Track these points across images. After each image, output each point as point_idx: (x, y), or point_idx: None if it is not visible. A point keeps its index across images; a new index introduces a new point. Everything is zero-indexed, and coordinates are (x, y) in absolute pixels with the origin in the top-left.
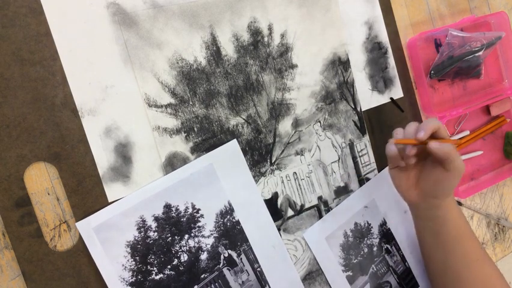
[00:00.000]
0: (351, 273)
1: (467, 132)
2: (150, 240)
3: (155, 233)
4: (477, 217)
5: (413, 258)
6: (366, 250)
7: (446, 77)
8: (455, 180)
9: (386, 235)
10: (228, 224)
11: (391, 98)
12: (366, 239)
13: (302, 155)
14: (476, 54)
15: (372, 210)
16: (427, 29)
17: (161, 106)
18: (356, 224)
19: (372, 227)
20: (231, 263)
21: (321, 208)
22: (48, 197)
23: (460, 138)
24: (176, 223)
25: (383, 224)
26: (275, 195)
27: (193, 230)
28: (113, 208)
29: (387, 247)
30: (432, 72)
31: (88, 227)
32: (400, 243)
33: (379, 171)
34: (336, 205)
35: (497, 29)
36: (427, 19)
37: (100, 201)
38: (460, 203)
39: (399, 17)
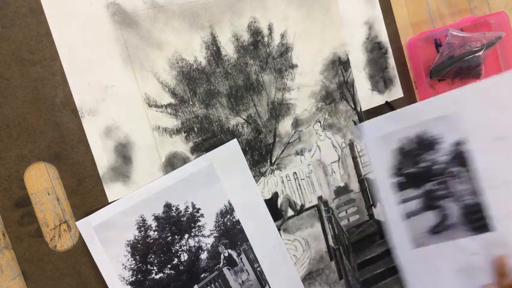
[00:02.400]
0: (400, 180)
1: None
2: (150, 240)
3: (156, 232)
4: None
5: (494, 196)
6: (425, 164)
7: (446, 77)
8: None
9: (460, 157)
10: (228, 223)
11: (386, 102)
12: (429, 152)
13: (302, 155)
14: (476, 54)
15: (450, 122)
16: (427, 29)
17: (161, 106)
18: (425, 131)
19: (443, 142)
20: (231, 262)
21: (321, 208)
22: (48, 197)
23: None
24: (176, 222)
25: (461, 143)
26: (275, 195)
27: (193, 230)
28: (114, 207)
29: (456, 170)
30: (432, 72)
31: (88, 226)
32: (480, 171)
33: None
34: (336, 205)
35: (497, 29)
36: (427, 19)
37: (100, 201)
38: None
39: (399, 17)
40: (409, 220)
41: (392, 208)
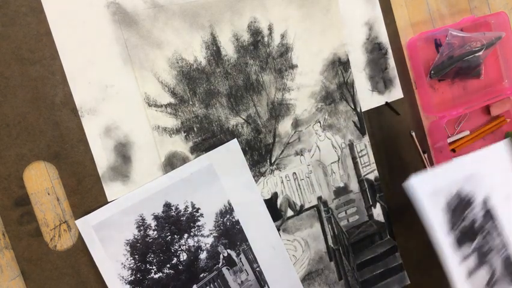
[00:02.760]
0: (459, 236)
1: (467, 132)
2: (149, 239)
3: (155, 232)
4: None
5: None
6: (470, 221)
7: (446, 77)
8: None
9: (489, 213)
10: (228, 223)
11: (386, 102)
12: (469, 208)
13: (302, 155)
14: (476, 54)
15: (476, 180)
16: (427, 29)
17: (161, 106)
18: (462, 188)
19: (476, 198)
20: (230, 262)
21: (321, 208)
22: (48, 196)
23: (460, 138)
24: (175, 222)
25: (487, 200)
26: (275, 196)
27: (193, 229)
28: (113, 206)
29: (490, 225)
30: (432, 72)
31: (88, 225)
32: (504, 226)
33: (379, 172)
34: (336, 205)
35: (497, 29)
36: (427, 19)
37: (100, 201)
38: None
39: (399, 17)
40: (470, 278)
41: (456, 268)
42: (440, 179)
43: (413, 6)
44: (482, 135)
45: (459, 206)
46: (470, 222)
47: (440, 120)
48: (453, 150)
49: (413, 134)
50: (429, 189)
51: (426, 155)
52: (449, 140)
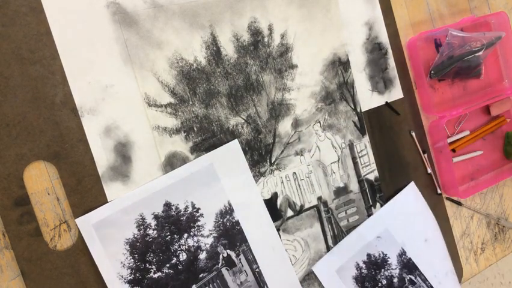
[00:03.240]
0: None
1: (467, 132)
2: (149, 238)
3: (155, 231)
4: (477, 217)
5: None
6: (384, 282)
7: (446, 77)
8: None
9: (408, 265)
10: (228, 224)
11: (386, 102)
12: (383, 270)
13: (302, 155)
14: (476, 54)
15: (386, 240)
16: (427, 29)
17: (161, 106)
18: (369, 255)
19: (389, 258)
20: (229, 263)
21: (321, 208)
22: (48, 196)
23: (460, 138)
24: (175, 222)
25: (402, 253)
26: (275, 196)
27: (193, 229)
28: (113, 205)
29: (410, 278)
30: (432, 72)
31: (88, 224)
32: (425, 272)
33: (379, 173)
34: (336, 205)
35: (497, 29)
36: (427, 19)
37: (99, 201)
38: (459, 203)
39: (399, 17)
40: None
41: None
42: (341, 255)
43: (413, 6)
44: (482, 135)
45: (369, 272)
46: (386, 282)
47: (440, 120)
48: (453, 150)
49: (413, 134)
50: (333, 269)
51: (426, 155)
52: (449, 140)
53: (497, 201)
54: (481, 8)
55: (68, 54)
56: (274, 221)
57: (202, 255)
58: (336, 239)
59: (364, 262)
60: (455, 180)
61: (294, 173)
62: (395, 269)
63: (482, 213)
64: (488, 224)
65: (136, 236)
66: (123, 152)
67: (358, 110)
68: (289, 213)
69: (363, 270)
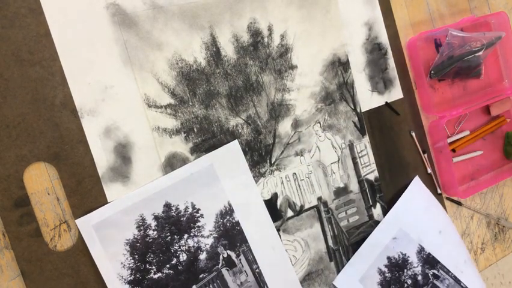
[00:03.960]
0: None
1: (467, 132)
2: (149, 239)
3: (155, 232)
4: (477, 217)
5: (468, 276)
6: (410, 282)
7: (446, 77)
8: None
9: (428, 260)
10: (228, 224)
11: (386, 102)
12: (406, 270)
13: (302, 155)
14: (476, 54)
15: (402, 239)
16: (427, 29)
17: (161, 106)
18: (389, 258)
19: (409, 257)
20: (230, 263)
21: (321, 209)
22: (48, 197)
23: (460, 138)
24: (176, 222)
25: (421, 250)
26: (275, 196)
27: (193, 230)
28: (114, 206)
29: (433, 272)
30: (432, 72)
31: (88, 224)
32: (446, 264)
33: (379, 173)
34: (336, 206)
35: (497, 29)
36: (427, 19)
37: (100, 202)
38: (459, 203)
39: (399, 17)
40: None
41: None
42: (361, 263)
43: (413, 6)
44: (482, 135)
45: (393, 274)
46: (412, 282)
47: (440, 120)
48: (453, 150)
49: (413, 134)
50: (356, 279)
51: (426, 155)
52: (449, 140)
53: (497, 201)
54: (481, 8)
55: (68, 56)
56: (274, 222)
57: (202, 256)
58: (336, 239)
59: (386, 266)
60: (455, 180)
61: (294, 173)
62: (417, 266)
63: (482, 213)
64: (488, 224)
65: (136, 236)
66: (123, 153)
67: (358, 110)
68: (290, 213)
69: (387, 274)
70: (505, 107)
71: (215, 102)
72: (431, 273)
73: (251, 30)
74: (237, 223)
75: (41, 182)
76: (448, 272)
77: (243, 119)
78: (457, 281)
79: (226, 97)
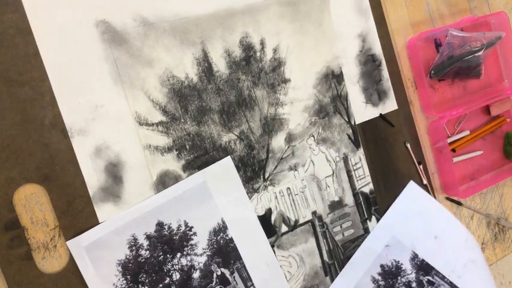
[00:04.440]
0: None
1: (467, 132)
2: (142, 259)
3: (147, 252)
4: (477, 217)
5: (467, 281)
6: None
7: (446, 77)
8: None
9: (422, 267)
10: (221, 241)
11: (381, 114)
12: (399, 277)
13: (296, 170)
14: (476, 54)
15: (395, 247)
16: (427, 29)
17: (153, 124)
18: (382, 266)
19: (402, 264)
20: (223, 281)
21: (316, 223)
22: (38, 219)
23: (460, 138)
24: (168, 241)
25: (414, 257)
26: (269, 212)
27: (186, 248)
28: (105, 226)
29: (428, 279)
30: (432, 72)
31: (79, 246)
32: (441, 270)
33: (374, 185)
34: (331, 220)
35: (497, 29)
36: (427, 19)
37: (91, 222)
38: (459, 203)
39: (399, 17)
40: None
41: None
42: (354, 271)
43: (413, 6)
44: (482, 135)
45: (387, 283)
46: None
47: (440, 120)
48: (453, 150)
49: (408, 145)
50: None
51: (421, 167)
52: (449, 140)
53: (497, 201)
54: (481, 8)
55: (57, 75)
56: (268, 237)
57: (196, 275)
58: (332, 254)
59: (379, 274)
60: (455, 180)
61: (288, 188)
62: (411, 273)
63: (482, 213)
64: (488, 224)
65: (128, 256)
66: (114, 172)
67: (352, 122)
68: (284, 228)
69: (380, 283)
70: (505, 107)
71: (207, 119)
72: (426, 279)
73: (243, 45)
74: (231, 240)
75: (31, 204)
76: (443, 278)
77: (236, 135)
78: (453, 286)
79: (219, 113)
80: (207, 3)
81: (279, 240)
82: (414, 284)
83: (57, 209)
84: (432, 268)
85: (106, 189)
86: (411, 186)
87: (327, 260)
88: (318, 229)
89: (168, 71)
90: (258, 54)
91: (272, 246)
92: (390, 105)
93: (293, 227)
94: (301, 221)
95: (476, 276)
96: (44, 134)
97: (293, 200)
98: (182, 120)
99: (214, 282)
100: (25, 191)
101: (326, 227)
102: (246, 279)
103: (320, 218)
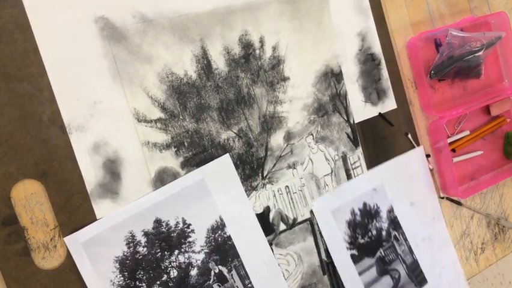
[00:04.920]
0: (356, 253)
1: (467, 132)
2: (139, 256)
3: (145, 249)
4: (477, 217)
5: (420, 253)
6: (374, 232)
7: (446, 77)
8: None
9: (394, 222)
10: (219, 239)
11: (380, 113)
12: (374, 221)
13: (294, 168)
14: (476, 54)
15: (380, 194)
16: (427, 29)
17: (151, 121)
18: (364, 204)
19: (381, 211)
20: (221, 279)
21: (314, 222)
22: (36, 215)
23: (460, 138)
24: (166, 238)
25: (391, 210)
26: (267, 210)
27: (184, 246)
28: (102, 223)
29: (395, 234)
30: (432, 72)
31: (76, 242)
32: (407, 233)
33: None
34: None
35: (497, 29)
36: (427, 19)
37: (88, 219)
38: (459, 203)
39: (399, 17)
40: None
41: (353, 280)
42: (340, 197)
43: (413, 6)
44: (482, 135)
45: (363, 220)
46: (376, 233)
47: (440, 120)
48: (453, 150)
49: (409, 136)
50: (329, 209)
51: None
52: (449, 140)
53: (497, 201)
54: (481, 8)
55: (56, 71)
56: (266, 235)
57: (194, 272)
58: (329, 253)
59: (359, 210)
60: (455, 180)
61: (287, 186)
62: (385, 222)
63: (482, 213)
64: (488, 224)
65: (125, 253)
66: (112, 169)
67: (351, 121)
68: (282, 227)
69: (357, 217)
70: (505, 107)
71: (206, 116)
72: (394, 234)
73: (242, 43)
74: (229, 238)
75: (29, 199)
76: (405, 239)
77: (235, 132)
78: (411, 251)
79: (217, 110)
80: (206, 1)
81: (277, 239)
82: (384, 232)
83: (55, 205)
84: (400, 227)
85: (104, 186)
86: (419, 150)
87: (325, 259)
88: (316, 228)
89: (167, 68)
90: (257, 52)
91: (270, 244)
92: (389, 104)
93: (291, 225)
94: (299, 219)
95: (426, 252)
96: (42, 130)
97: (291, 198)
98: (181, 117)
99: (211, 280)
100: (23, 187)
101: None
102: (244, 277)
103: None
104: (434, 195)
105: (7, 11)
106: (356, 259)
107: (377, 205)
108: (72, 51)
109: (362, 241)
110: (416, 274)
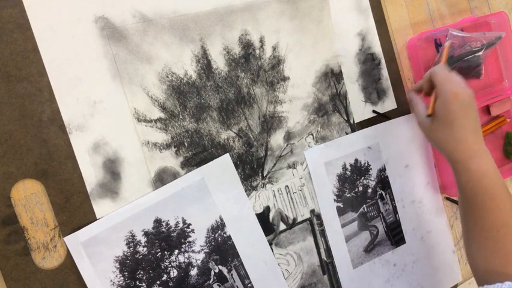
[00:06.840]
0: (341, 205)
1: None
2: (139, 256)
3: (145, 248)
4: None
5: (404, 214)
6: (360, 189)
7: None
8: (444, 106)
9: (383, 181)
10: (219, 239)
11: (373, 111)
12: (363, 178)
13: (294, 168)
14: (476, 54)
15: (374, 152)
16: (427, 29)
17: (151, 121)
18: (356, 160)
19: (371, 169)
20: (221, 279)
21: (314, 221)
22: (36, 214)
23: None
24: (166, 238)
25: (383, 169)
26: (267, 209)
27: (184, 245)
28: (102, 223)
29: (381, 193)
30: None
31: (76, 242)
32: (395, 193)
33: None
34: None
35: (497, 29)
36: (427, 19)
37: (88, 218)
38: None
39: (399, 17)
40: (349, 242)
41: (336, 232)
42: (334, 151)
43: (413, 6)
44: (482, 135)
45: (353, 175)
46: (362, 189)
47: None
48: None
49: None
50: (322, 160)
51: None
52: None
53: None
54: (481, 8)
55: (56, 71)
56: (266, 235)
57: (194, 272)
58: (330, 252)
59: (351, 165)
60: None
61: (287, 186)
62: (373, 180)
63: None
64: None
65: (125, 253)
66: (112, 169)
67: (351, 121)
68: (282, 226)
69: (348, 172)
70: (505, 107)
71: (206, 116)
72: (380, 192)
73: (242, 42)
74: (229, 237)
75: (29, 199)
76: (392, 200)
77: (235, 132)
78: (395, 211)
79: (217, 110)
80: (206, 1)
81: (277, 238)
82: (369, 190)
83: (54, 204)
84: (389, 187)
85: (103, 186)
86: None
87: (325, 259)
88: (316, 227)
89: (167, 68)
90: (257, 51)
91: (270, 244)
92: (389, 104)
93: (291, 225)
94: (299, 219)
95: (413, 214)
96: (42, 130)
97: (291, 198)
98: (181, 117)
99: (211, 280)
100: (23, 186)
101: (324, 225)
102: (244, 277)
103: (318, 217)
104: (431, 161)
105: (7, 11)
106: (340, 212)
107: (368, 163)
108: (72, 50)
109: (348, 195)
110: (395, 234)
